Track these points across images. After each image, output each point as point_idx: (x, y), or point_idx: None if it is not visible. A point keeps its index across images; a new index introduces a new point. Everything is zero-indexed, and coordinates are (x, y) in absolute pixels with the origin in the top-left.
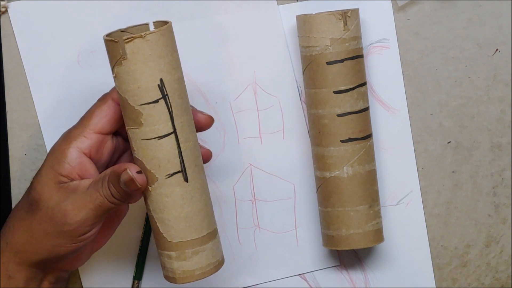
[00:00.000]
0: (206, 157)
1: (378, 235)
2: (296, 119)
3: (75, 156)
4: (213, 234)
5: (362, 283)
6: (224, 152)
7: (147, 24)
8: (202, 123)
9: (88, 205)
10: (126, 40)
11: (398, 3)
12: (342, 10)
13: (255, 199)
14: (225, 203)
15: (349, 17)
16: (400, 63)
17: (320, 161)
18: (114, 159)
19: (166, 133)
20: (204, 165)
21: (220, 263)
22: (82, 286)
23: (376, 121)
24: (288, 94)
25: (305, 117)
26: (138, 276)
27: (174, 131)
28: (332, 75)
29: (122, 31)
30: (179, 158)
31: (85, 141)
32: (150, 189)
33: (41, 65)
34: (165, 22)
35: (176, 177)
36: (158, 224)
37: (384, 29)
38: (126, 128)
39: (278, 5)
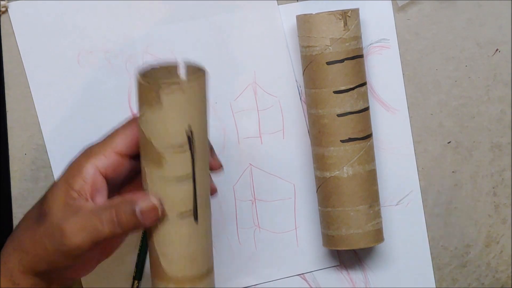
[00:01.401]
0: (212, 192)
1: (378, 235)
2: (296, 119)
3: (91, 173)
4: (211, 268)
5: (362, 283)
6: (224, 152)
7: (176, 65)
8: (211, 168)
9: (86, 230)
10: (165, 90)
11: (398, 3)
12: (342, 10)
13: (255, 199)
14: (225, 203)
15: (349, 17)
16: (400, 63)
17: (320, 161)
18: (126, 180)
19: (185, 176)
20: None
21: None
22: (82, 286)
23: (376, 121)
24: (288, 94)
25: (305, 117)
26: (138, 276)
27: (193, 175)
28: (332, 75)
29: (153, 68)
30: (193, 200)
31: (104, 160)
32: (158, 225)
33: (41, 65)
34: (198, 68)
35: (187, 217)
36: (160, 257)
37: (384, 29)
38: (143, 163)
39: (278, 5)
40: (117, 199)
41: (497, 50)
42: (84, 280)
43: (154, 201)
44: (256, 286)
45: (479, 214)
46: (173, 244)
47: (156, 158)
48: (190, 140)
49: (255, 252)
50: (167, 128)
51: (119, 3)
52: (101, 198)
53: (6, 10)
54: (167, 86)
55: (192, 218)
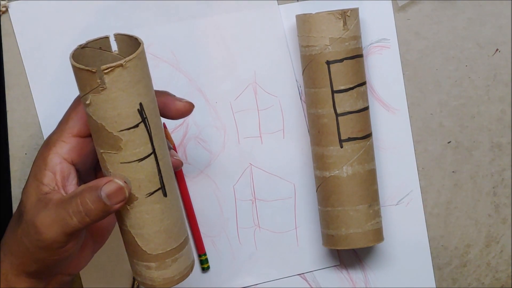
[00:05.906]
0: (178, 166)
1: (377, 234)
2: (296, 119)
3: (56, 162)
4: (187, 238)
5: (362, 283)
6: (224, 152)
7: (107, 37)
8: (182, 111)
9: (56, 224)
10: (106, 71)
11: (398, 3)
12: (341, 10)
13: (255, 198)
14: (225, 203)
15: (348, 16)
16: (400, 63)
17: (319, 161)
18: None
19: (146, 154)
20: (204, 165)
21: (193, 263)
22: (82, 286)
23: (376, 121)
24: (288, 94)
25: (305, 117)
26: None
27: (154, 151)
28: (331, 75)
29: (83, 47)
30: (159, 176)
31: (64, 145)
32: (128, 208)
33: (41, 64)
34: (129, 36)
35: (156, 194)
36: (136, 238)
37: (384, 29)
38: (99, 149)
39: (278, 5)
40: (81, 187)
41: (497, 50)
42: (84, 280)
43: (119, 182)
44: (256, 286)
45: (479, 214)
46: (147, 224)
47: (113, 142)
48: (142, 116)
49: (255, 252)
50: (118, 110)
51: (119, 3)
52: (72, 186)
53: (6, 10)
54: (111, 70)
55: (161, 195)
